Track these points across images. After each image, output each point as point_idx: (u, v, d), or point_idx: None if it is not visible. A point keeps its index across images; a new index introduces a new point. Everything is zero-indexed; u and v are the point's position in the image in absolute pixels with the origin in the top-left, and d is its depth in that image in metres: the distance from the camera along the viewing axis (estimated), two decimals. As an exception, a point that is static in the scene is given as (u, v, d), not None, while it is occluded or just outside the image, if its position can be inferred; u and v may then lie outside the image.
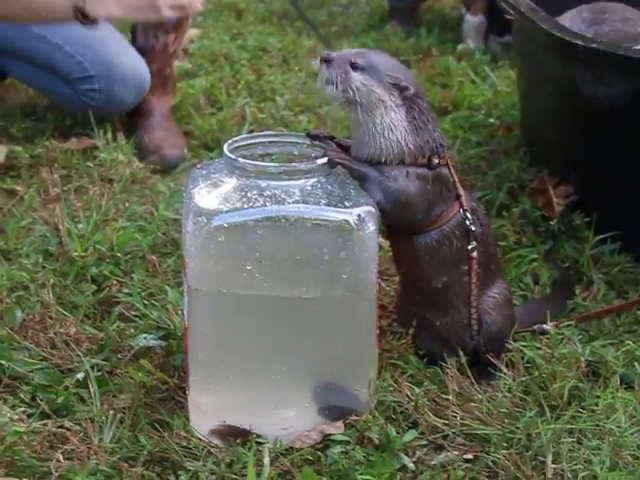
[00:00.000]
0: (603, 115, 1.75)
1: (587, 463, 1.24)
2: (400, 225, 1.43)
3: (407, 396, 1.39)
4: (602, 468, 1.21)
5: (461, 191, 1.43)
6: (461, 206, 1.42)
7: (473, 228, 1.42)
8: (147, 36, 2.21)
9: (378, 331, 1.43)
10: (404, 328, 1.51)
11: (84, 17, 1.57)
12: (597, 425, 1.31)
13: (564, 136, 1.91)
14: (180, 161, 2.16)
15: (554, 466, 1.25)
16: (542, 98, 1.99)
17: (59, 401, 1.38)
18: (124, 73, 2.12)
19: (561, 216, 1.84)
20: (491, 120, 2.34)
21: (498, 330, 1.45)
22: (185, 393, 1.38)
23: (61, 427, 1.34)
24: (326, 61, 1.33)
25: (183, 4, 1.54)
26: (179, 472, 1.27)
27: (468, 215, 1.42)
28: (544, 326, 1.51)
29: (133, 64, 2.14)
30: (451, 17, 3.17)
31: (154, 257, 1.73)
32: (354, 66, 1.34)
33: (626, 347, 1.48)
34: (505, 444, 1.31)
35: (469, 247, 1.42)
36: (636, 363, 1.44)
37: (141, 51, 2.21)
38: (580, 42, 1.71)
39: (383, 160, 1.36)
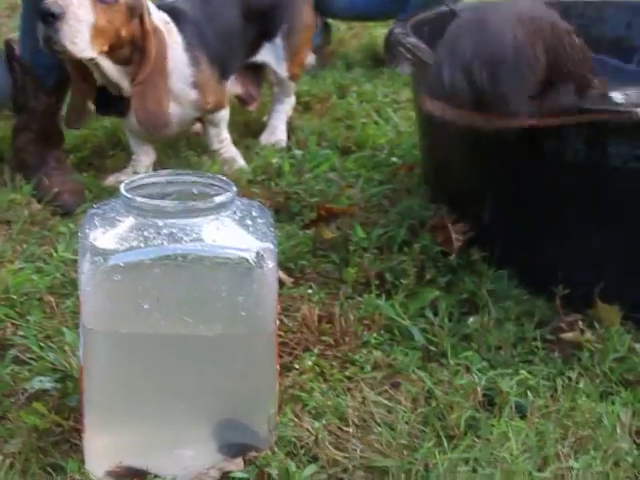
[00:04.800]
0: (496, 152, 1.81)
1: (482, 491, 1.27)
2: None
3: (307, 430, 1.40)
4: (495, 495, 1.24)
5: None
6: None
7: None
8: (27, 97, 2.20)
9: (278, 367, 1.44)
10: None
11: None
12: (491, 453, 1.33)
13: (460, 174, 1.97)
14: (80, 205, 2.13)
15: (451, 495, 1.27)
16: (439, 138, 2.05)
17: (-54, 449, 1.33)
18: None
19: (460, 251, 1.89)
20: (393, 159, 2.40)
21: None
22: (81, 435, 1.35)
23: (-53, 476, 1.29)
24: None
25: None
26: (73, 517, 1.24)
27: None
28: None
29: None
30: (355, 60, 3.25)
31: (52, 298, 1.70)
32: None
33: (520, 377, 1.52)
34: (404, 475, 1.32)
35: None
36: (529, 392, 1.48)
37: (22, 110, 2.20)
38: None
39: None
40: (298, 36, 2.48)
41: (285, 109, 2.61)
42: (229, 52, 2.30)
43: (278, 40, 2.45)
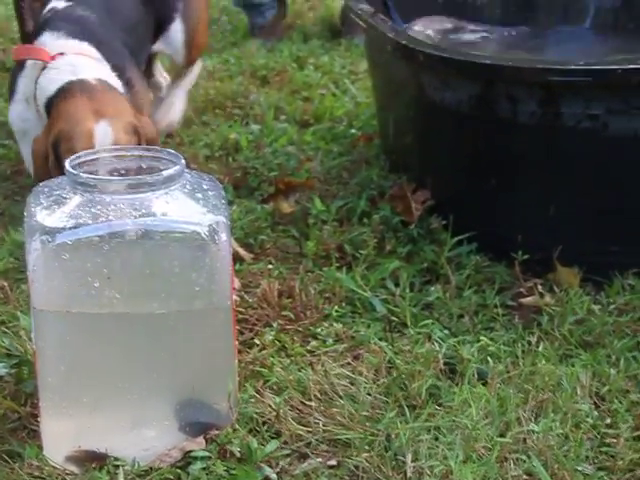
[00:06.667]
0: (451, 120, 1.80)
1: (444, 459, 1.26)
2: None
3: (269, 406, 1.38)
4: (456, 462, 1.23)
5: None
6: None
7: None
8: None
9: (237, 343, 1.42)
10: None
11: None
12: (453, 421, 1.33)
13: (418, 142, 1.95)
14: None
15: (413, 464, 1.26)
16: (396, 106, 2.03)
17: None
18: None
19: (419, 220, 1.88)
20: (352, 131, 2.39)
21: None
22: (38, 421, 1.32)
23: None
24: None
25: None
26: (30, 503, 1.21)
27: None
28: None
29: None
30: (312, 32, 3.22)
31: (5, 283, 1.66)
32: None
33: (481, 343, 1.52)
34: (367, 447, 1.31)
35: None
36: (490, 358, 1.48)
37: None
38: (425, 49, 1.76)
39: None
40: (196, 16, 2.22)
41: (186, 84, 2.35)
42: (138, 45, 2.05)
43: (175, 24, 2.19)
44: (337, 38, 3.15)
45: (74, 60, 1.80)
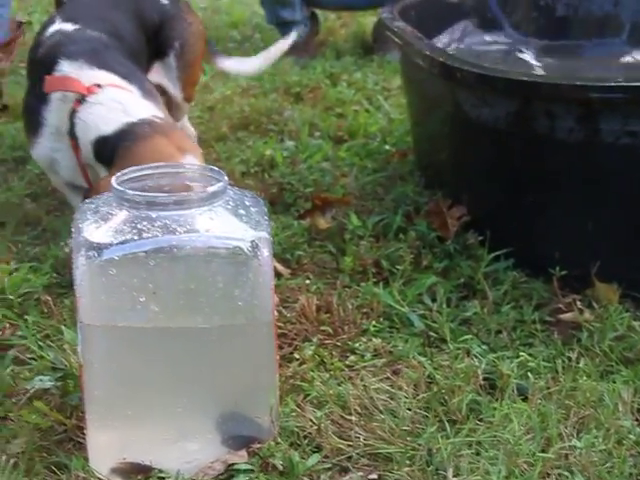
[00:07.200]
0: (488, 136, 1.81)
1: (486, 474, 1.26)
2: None
3: (310, 420, 1.39)
4: (498, 477, 1.23)
5: None
6: None
7: None
8: None
9: (278, 357, 1.43)
10: None
11: None
12: (494, 436, 1.33)
13: (454, 159, 1.96)
14: None
15: (455, 479, 1.27)
16: (431, 123, 2.04)
17: (-51, 451, 1.32)
18: None
19: (456, 236, 1.89)
20: (386, 147, 2.40)
21: None
22: (84, 433, 1.35)
23: (-49, 477, 1.28)
24: None
25: None
26: (78, 514, 1.23)
27: None
28: None
29: None
30: (344, 49, 3.25)
31: (49, 297, 1.69)
32: None
33: (520, 359, 1.52)
34: (408, 461, 1.32)
35: None
36: (529, 374, 1.48)
37: None
38: (463, 66, 1.77)
39: None
40: (191, 53, 2.16)
41: (185, 114, 2.30)
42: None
43: (171, 59, 2.14)
44: (369, 55, 3.18)
45: (116, 95, 1.72)
